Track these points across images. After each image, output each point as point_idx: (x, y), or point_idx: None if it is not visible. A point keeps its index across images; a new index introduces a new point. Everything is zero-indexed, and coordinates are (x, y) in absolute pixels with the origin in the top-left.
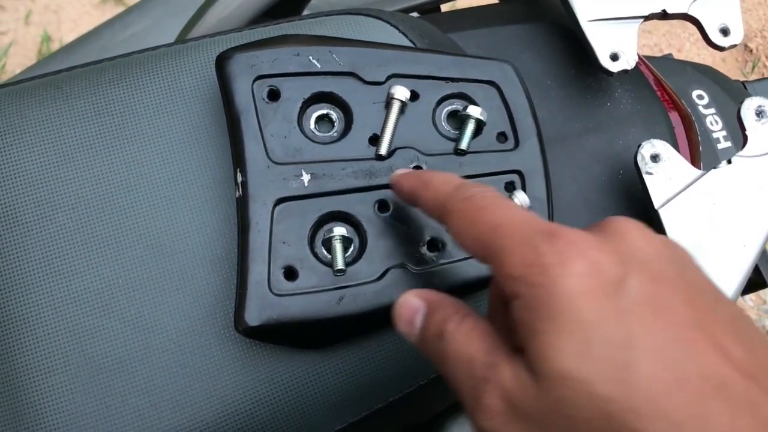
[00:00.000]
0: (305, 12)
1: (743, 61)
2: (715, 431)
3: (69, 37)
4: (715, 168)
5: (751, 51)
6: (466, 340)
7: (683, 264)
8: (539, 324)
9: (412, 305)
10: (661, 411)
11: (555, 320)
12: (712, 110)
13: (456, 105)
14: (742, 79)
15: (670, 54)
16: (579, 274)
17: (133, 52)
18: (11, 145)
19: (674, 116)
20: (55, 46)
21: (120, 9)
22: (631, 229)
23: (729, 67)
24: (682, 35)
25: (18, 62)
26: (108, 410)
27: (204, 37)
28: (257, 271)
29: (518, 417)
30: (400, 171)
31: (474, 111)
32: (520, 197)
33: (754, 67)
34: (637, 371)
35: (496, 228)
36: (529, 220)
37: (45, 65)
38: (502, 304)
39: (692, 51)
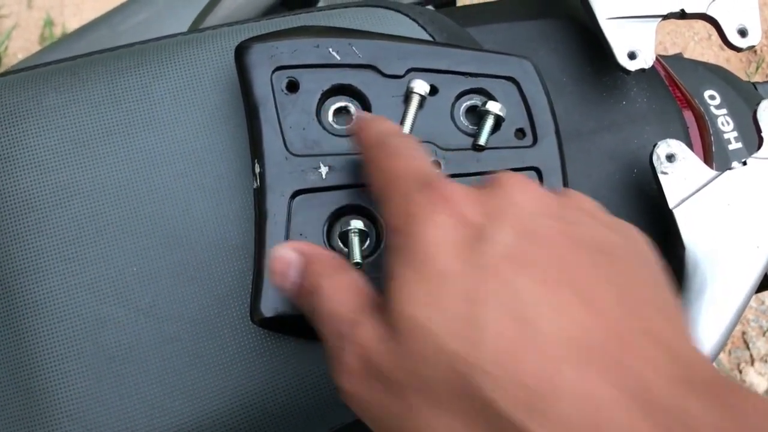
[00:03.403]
0: (321, 3)
1: (747, 62)
2: (566, 398)
3: (71, 22)
4: (730, 169)
5: (755, 52)
6: (336, 295)
7: (572, 220)
8: (398, 269)
9: (286, 258)
10: (511, 374)
11: (413, 268)
12: (724, 111)
13: (475, 100)
14: (745, 80)
15: (680, 53)
16: (442, 224)
17: (150, 40)
18: (28, 130)
19: (688, 116)
20: (57, 30)
21: None
22: (514, 183)
23: (733, 67)
24: (687, 34)
25: (20, 46)
26: (120, 398)
27: (221, 26)
28: None
29: (374, 376)
30: (360, 114)
31: (493, 107)
32: None
33: (758, 68)
34: (485, 329)
35: (390, 180)
36: (418, 171)
37: (54, 51)
38: None
39: (696, 50)
